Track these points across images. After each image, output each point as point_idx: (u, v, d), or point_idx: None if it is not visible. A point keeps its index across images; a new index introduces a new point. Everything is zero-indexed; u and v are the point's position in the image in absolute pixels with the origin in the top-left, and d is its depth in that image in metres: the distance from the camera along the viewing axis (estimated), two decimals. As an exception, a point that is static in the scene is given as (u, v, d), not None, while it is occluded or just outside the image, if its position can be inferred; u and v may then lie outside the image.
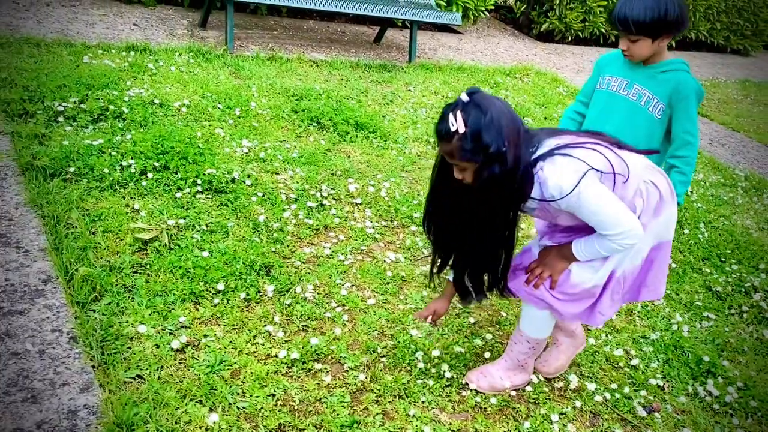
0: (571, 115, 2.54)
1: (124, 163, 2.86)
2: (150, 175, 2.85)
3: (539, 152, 1.75)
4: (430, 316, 2.14)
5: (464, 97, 1.66)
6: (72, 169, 2.74)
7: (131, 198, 2.71)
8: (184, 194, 2.80)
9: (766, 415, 2.35)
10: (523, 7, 8.09)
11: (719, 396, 2.38)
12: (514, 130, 1.67)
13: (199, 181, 2.89)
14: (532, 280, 1.95)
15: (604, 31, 8.34)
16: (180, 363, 2.00)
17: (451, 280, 2.05)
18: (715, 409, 2.33)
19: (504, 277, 1.90)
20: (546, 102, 5.45)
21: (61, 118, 3.12)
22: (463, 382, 2.16)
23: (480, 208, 1.76)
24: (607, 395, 2.25)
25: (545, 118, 5.06)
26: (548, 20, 7.87)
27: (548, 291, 1.93)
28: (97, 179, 2.75)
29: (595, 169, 1.72)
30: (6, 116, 3.08)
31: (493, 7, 7.27)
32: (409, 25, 6.58)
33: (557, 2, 7.67)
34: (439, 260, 2.00)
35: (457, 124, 1.64)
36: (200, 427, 1.79)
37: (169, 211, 2.67)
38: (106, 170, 2.79)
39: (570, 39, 8.24)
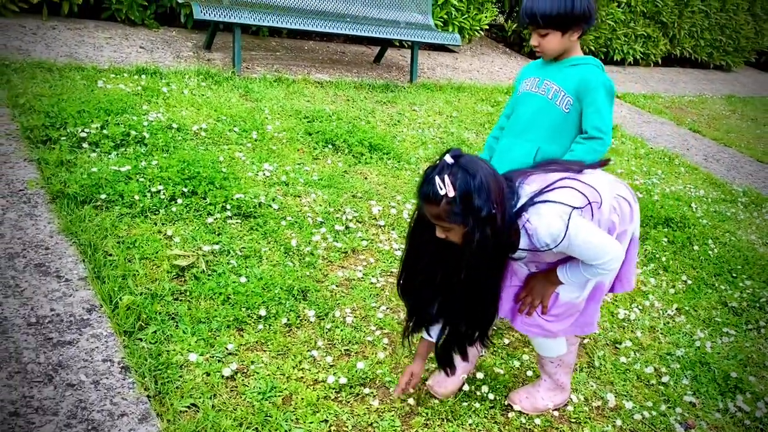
0: (496, 134, 2.46)
1: (153, 189, 2.88)
2: (179, 200, 2.87)
3: (519, 203, 1.77)
4: (410, 382, 2.07)
5: (449, 159, 1.67)
6: (102, 196, 2.75)
7: (163, 224, 2.72)
8: (215, 219, 2.82)
9: (795, 429, 2.42)
10: (513, 26, 8.22)
11: (749, 412, 2.45)
12: (500, 191, 1.70)
13: (228, 206, 2.91)
14: (524, 309, 1.98)
15: (593, 48, 8.51)
16: (232, 390, 2.02)
17: (427, 338, 2.05)
18: (747, 425, 2.40)
19: (488, 327, 1.93)
20: (546, 120, 5.53)
21: (85, 144, 3.13)
22: (506, 403, 2.20)
23: (469, 265, 1.75)
24: (645, 413, 2.31)
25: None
26: (540, 39, 7.98)
27: (540, 316, 1.97)
28: (127, 206, 2.76)
29: (576, 208, 1.75)
30: (30, 143, 3.08)
31: (487, 27, 7.39)
32: (407, 45, 6.69)
33: (549, 21, 7.79)
34: (413, 322, 1.99)
35: (446, 188, 1.64)
36: (261, 455, 1.81)
37: (202, 236, 2.69)
38: (136, 197, 2.80)
39: (561, 57, 8.37)
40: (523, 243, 1.78)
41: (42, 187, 2.79)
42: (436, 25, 6.19)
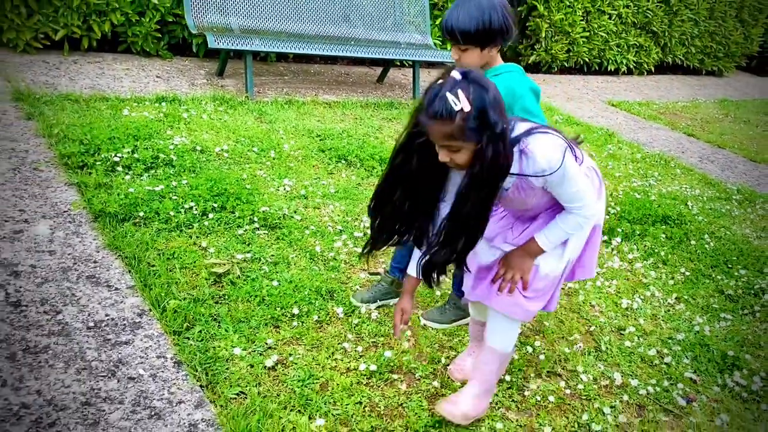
0: None
1: (185, 206, 3.11)
2: (210, 215, 3.10)
3: (515, 133, 1.77)
4: (402, 318, 2.07)
5: (457, 75, 1.62)
6: (140, 214, 2.99)
7: (197, 237, 2.96)
8: (245, 231, 3.05)
9: (789, 400, 2.63)
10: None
11: (746, 385, 2.66)
12: (505, 109, 1.69)
13: (255, 219, 3.14)
14: (505, 287, 1.98)
15: (587, 59, 8.79)
16: (274, 379, 2.24)
17: (412, 274, 2.03)
18: (744, 398, 2.60)
19: (466, 251, 1.87)
20: (545, 130, 5.78)
21: (118, 168, 3.37)
22: (438, 412, 2.15)
23: (473, 184, 1.72)
24: (650, 389, 2.52)
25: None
26: (535, 52, 8.29)
27: (521, 293, 1.97)
28: (163, 222, 2.99)
29: (569, 146, 1.78)
30: (68, 168, 3.32)
31: (484, 43, 7.66)
32: (408, 65, 6.97)
33: (543, 35, 8.10)
34: (379, 241, 1.98)
35: (461, 102, 1.58)
36: (305, 433, 2.02)
37: (234, 246, 2.92)
38: (171, 213, 3.03)
39: (556, 69, 8.67)
40: (515, 169, 1.75)
41: (84, 208, 3.02)
42: (434, 44, 6.47)
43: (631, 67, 9.49)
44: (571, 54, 8.56)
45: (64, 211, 2.98)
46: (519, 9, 8.15)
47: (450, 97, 1.59)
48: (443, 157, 1.70)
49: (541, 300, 2.02)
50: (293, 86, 5.72)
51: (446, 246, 1.86)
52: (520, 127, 1.79)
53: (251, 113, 4.70)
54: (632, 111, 7.44)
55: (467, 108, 1.59)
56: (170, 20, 5.55)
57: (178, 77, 5.27)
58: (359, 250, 3.13)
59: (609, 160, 5.31)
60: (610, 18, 8.69)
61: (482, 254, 2.08)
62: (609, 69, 9.28)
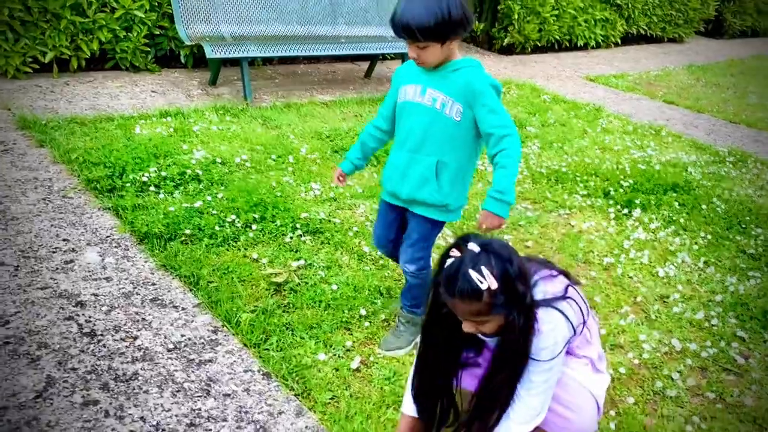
0: (371, 131, 2.41)
1: (227, 220, 3.12)
2: (254, 226, 3.12)
3: (536, 297, 1.65)
4: None
5: (475, 248, 1.53)
6: (187, 232, 2.99)
7: (246, 249, 2.97)
8: (291, 239, 3.08)
9: (833, 347, 2.79)
10: (481, 26, 8.60)
11: (791, 337, 2.81)
12: (528, 272, 1.61)
13: (298, 226, 3.17)
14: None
15: (558, 37, 8.96)
16: (361, 380, 2.29)
17: (410, 414, 1.88)
18: (792, 349, 2.75)
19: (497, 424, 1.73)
20: (536, 111, 5.91)
21: (150, 188, 3.36)
22: None
23: (507, 356, 1.64)
24: (709, 351, 2.64)
25: (542, 124, 5.50)
26: (509, 34, 8.41)
27: None
28: (209, 237, 3.00)
29: (573, 331, 1.69)
30: (98, 193, 3.29)
31: (461, 30, 7.74)
32: (390, 57, 7.02)
33: (515, 17, 8.22)
34: (423, 407, 1.84)
35: (487, 281, 1.49)
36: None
37: (284, 255, 2.94)
38: (216, 228, 3.04)
39: (529, 49, 8.81)
40: None
41: (127, 231, 3.01)
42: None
43: (599, 41, 9.69)
44: (542, 33, 8.71)
45: (108, 236, 2.96)
46: (490, -7, 8.26)
47: (474, 275, 1.49)
48: (468, 328, 1.62)
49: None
50: (286, 89, 5.71)
51: (478, 419, 1.73)
52: (539, 292, 1.67)
53: (256, 120, 4.69)
54: (610, 84, 7.62)
55: (494, 286, 1.49)
56: (157, 33, 5.48)
57: (174, 90, 5.22)
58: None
59: (604, 135, 5.45)
60: (577, -5, 8.85)
61: None
62: (578, 45, 9.46)
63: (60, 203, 3.19)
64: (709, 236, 3.72)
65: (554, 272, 1.79)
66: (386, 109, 2.32)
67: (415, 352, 2.22)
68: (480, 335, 1.69)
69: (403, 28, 1.97)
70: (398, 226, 2.41)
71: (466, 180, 2.27)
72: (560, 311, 1.66)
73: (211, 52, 4.75)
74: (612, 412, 2.26)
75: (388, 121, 2.34)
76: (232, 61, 5.65)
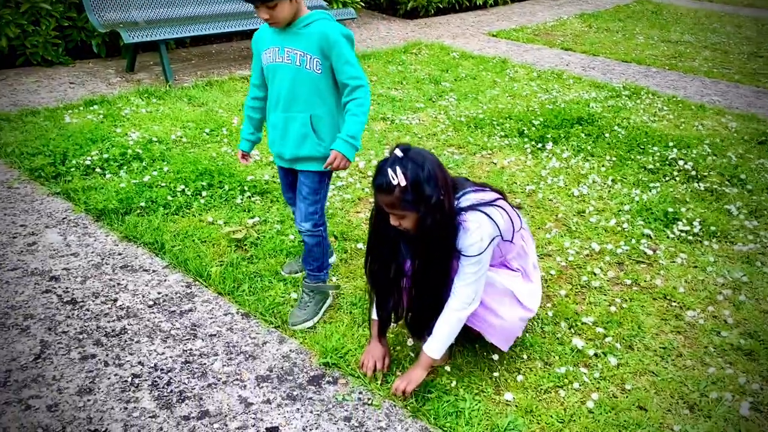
0: (252, 104, 2.43)
1: (178, 190, 3.28)
2: (204, 193, 3.30)
3: (463, 203, 1.97)
4: (374, 366, 2.16)
5: (399, 153, 1.83)
6: (142, 204, 3.14)
7: (200, 214, 3.15)
8: (242, 200, 3.28)
9: (723, 235, 3.27)
10: (385, -8, 8.85)
11: (689, 230, 3.27)
12: (445, 179, 1.88)
13: (245, 188, 3.37)
14: (400, 395, 2.07)
15: (461, -2, 9.32)
16: (331, 309, 2.55)
17: (376, 317, 2.18)
18: (690, 240, 3.21)
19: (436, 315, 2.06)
20: (448, 68, 6.25)
21: (96, 170, 3.46)
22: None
23: (425, 250, 1.95)
24: (622, 248, 3.05)
25: (456, 79, 5.85)
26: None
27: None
28: (163, 207, 3.16)
29: (499, 236, 1.98)
30: (44, 180, 3.37)
31: (366, -2, 7.98)
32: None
33: (416, -19, 8.50)
34: (379, 304, 2.14)
35: (398, 177, 1.79)
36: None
37: (239, 215, 3.14)
38: (168, 198, 3.20)
39: (432, 12, 9.15)
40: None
41: (82, 211, 3.12)
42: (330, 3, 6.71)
43: (497, -2, 10.13)
44: (444, -6, 9.04)
45: (64, 218, 3.07)
46: (389, -40, 8.50)
47: (390, 172, 1.80)
48: (393, 221, 1.92)
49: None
50: (204, 68, 5.80)
51: (417, 305, 2.08)
52: (467, 199, 1.99)
53: (181, 100, 4.79)
54: (512, 38, 8.06)
55: (403, 183, 1.80)
56: (66, 24, 5.44)
57: (92, 80, 5.22)
58: (348, 196, 3.44)
59: (513, 83, 5.86)
60: (471, -45, 9.22)
61: None
62: (478, 3, 9.87)
63: (7, 194, 3.26)
64: (614, 159, 4.17)
65: (487, 189, 2.11)
66: (256, 77, 2.35)
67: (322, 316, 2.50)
68: (403, 230, 1.95)
69: None
70: (296, 183, 2.45)
71: (341, 126, 2.29)
72: (485, 213, 1.97)
73: (128, 38, 4.79)
74: (548, 304, 2.62)
75: (261, 88, 2.36)
76: (146, 46, 5.68)
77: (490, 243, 1.96)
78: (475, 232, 1.94)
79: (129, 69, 5.50)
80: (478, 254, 1.95)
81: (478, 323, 2.13)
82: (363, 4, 7.89)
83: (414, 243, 1.99)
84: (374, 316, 2.19)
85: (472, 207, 1.98)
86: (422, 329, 2.12)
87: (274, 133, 2.32)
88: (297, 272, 2.73)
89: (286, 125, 2.26)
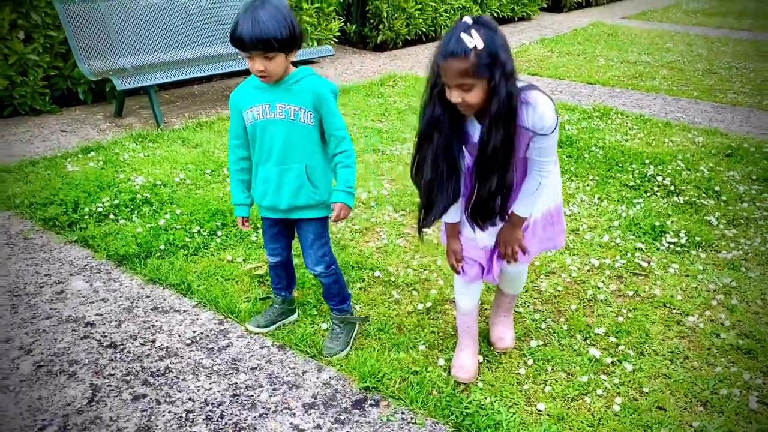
0: (238, 166, 2.46)
1: (193, 231, 3.40)
2: (219, 233, 3.42)
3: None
4: (456, 257, 2.29)
5: (468, 20, 1.77)
6: (161, 247, 3.24)
7: (219, 253, 3.27)
8: (257, 237, 3.41)
9: (708, 245, 3.52)
10: (353, 27, 9.12)
11: (676, 242, 3.52)
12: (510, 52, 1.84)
13: (258, 226, 3.49)
14: (512, 260, 2.21)
15: (424, 29, 9.65)
16: (361, 336, 2.69)
17: (449, 221, 2.23)
18: (678, 251, 3.46)
19: (509, 194, 2.06)
20: (425, 97, 6.49)
21: (109, 217, 3.56)
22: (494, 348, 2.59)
23: (490, 125, 1.87)
24: (620, 262, 3.28)
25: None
26: (381, 32, 8.99)
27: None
28: (183, 248, 3.27)
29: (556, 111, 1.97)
30: (59, 229, 3.45)
31: (339, 34, 8.22)
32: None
33: (385, 15, 8.81)
34: (428, 210, 2.12)
35: (474, 40, 1.74)
36: (412, 362, 2.51)
37: (256, 252, 3.28)
38: (187, 239, 3.32)
39: (401, 44, 9.45)
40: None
41: (103, 258, 3.21)
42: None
43: (460, 27, 10.49)
44: (410, 27, 9.37)
45: (86, 265, 3.16)
46: (356, -5, 8.79)
47: (465, 36, 1.75)
48: (455, 98, 1.84)
49: (530, 243, 2.28)
50: (190, 109, 5.92)
51: (482, 188, 2.01)
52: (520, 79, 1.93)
53: (175, 142, 4.91)
54: (480, 65, 8.38)
55: (480, 45, 1.74)
56: (53, 74, 5.51)
57: (83, 127, 5.30)
58: (356, 227, 3.61)
59: (489, 109, 6.12)
60: (435, -12, 9.59)
61: (481, 240, 2.26)
62: (443, 34, 10.21)
63: (24, 245, 3.33)
64: (597, 178, 4.43)
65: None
66: (237, 137, 2.40)
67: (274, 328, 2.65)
68: (465, 111, 1.91)
69: (258, 40, 2.07)
70: (284, 233, 2.56)
71: (330, 172, 2.42)
72: (542, 91, 1.96)
73: (120, 85, 4.91)
74: (561, 319, 2.82)
75: (244, 147, 2.41)
76: (132, 91, 5.78)
77: (557, 115, 1.96)
78: (544, 105, 1.92)
79: (117, 114, 5.59)
80: (552, 131, 1.94)
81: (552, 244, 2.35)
82: (335, 40, 8.13)
83: (480, 118, 1.95)
84: (446, 219, 2.21)
85: (527, 87, 1.94)
86: (487, 216, 2.09)
87: (266, 187, 2.37)
88: (266, 326, 2.70)
89: (281, 177, 2.33)
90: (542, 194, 2.15)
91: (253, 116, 2.29)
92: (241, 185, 2.49)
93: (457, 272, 2.33)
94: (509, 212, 2.14)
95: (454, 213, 2.20)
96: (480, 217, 2.10)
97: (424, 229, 2.20)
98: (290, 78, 2.24)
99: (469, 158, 2.10)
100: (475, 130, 2.02)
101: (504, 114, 1.85)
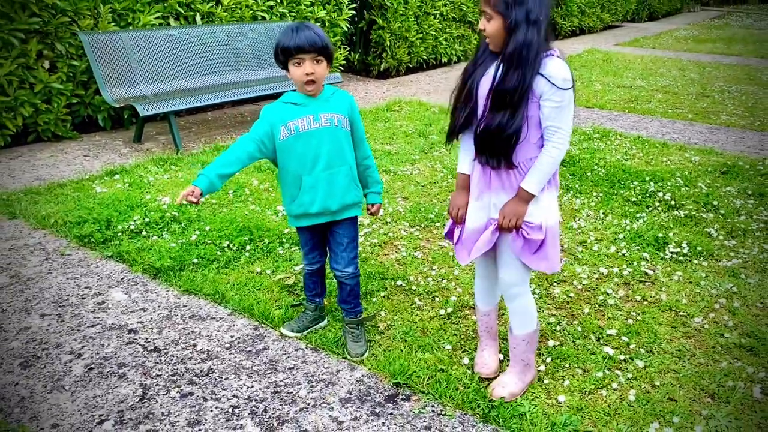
0: (234, 156, 2.49)
1: (224, 245, 3.59)
2: (248, 247, 3.61)
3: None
4: (458, 212, 2.36)
5: None
6: (194, 261, 3.43)
7: (248, 266, 3.46)
8: (284, 250, 3.60)
9: (708, 254, 3.73)
10: (357, 56, 9.42)
11: (678, 252, 3.72)
12: (547, 11, 1.96)
13: (284, 240, 3.70)
14: (509, 230, 2.21)
15: (425, 57, 9.97)
16: (388, 339, 2.87)
17: (463, 172, 2.33)
18: (681, 260, 3.66)
19: (515, 143, 2.10)
20: (430, 122, 6.74)
21: (141, 234, 3.75)
22: (489, 396, 2.46)
23: (504, 63, 1.99)
24: (627, 271, 3.48)
25: (441, 132, 6.33)
26: (384, 60, 9.29)
27: (522, 229, 2.20)
28: (213, 262, 3.46)
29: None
30: (94, 245, 3.64)
31: (344, 62, 8.51)
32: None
33: (387, 44, 9.12)
34: (456, 128, 2.28)
35: None
36: (439, 361, 2.69)
37: (284, 264, 3.46)
38: (218, 254, 3.50)
39: (403, 71, 9.75)
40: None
41: (139, 271, 3.40)
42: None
43: (459, 56, 10.84)
44: (412, 55, 9.68)
45: (123, 278, 3.34)
46: (359, 25, 9.10)
47: None
48: (481, 24, 2.03)
49: (539, 231, 2.21)
50: (206, 135, 6.15)
51: (491, 119, 2.09)
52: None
53: (195, 166, 5.12)
54: (481, 91, 8.65)
55: None
56: (75, 101, 5.74)
57: (104, 152, 5.52)
58: (375, 240, 3.80)
59: (493, 132, 6.36)
60: (435, 18, 9.92)
61: (475, 215, 2.31)
62: (443, 61, 10.54)
63: (62, 260, 3.51)
64: (600, 194, 4.65)
65: None
66: (255, 140, 2.48)
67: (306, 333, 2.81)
68: (490, 43, 2.06)
69: (316, 43, 2.34)
70: (321, 241, 2.76)
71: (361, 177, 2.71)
72: (561, 58, 2.04)
73: (142, 111, 5.14)
74: (575, 322, 3.00)
75: (256, 146, 2.49)
76: (149, 117, 6.01)
77: (573, 86, 2.03)
78: (563, 64, 2.01)
79: (137, 140, 5.81)
80: (568, 84, 2.00)
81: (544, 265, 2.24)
82: (340, 68, 8.41)
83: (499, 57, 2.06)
84: (460, 170, 2.35)
85: (548, 52, 2.03)
86: (492, 152, 2.14)
87: (313, 193, 2.51)
88: (300, 331, 2.88)
89: (331, 180, 2.52)
90: (553, 172, 2.17)
91: (297, 128, 2.45)
92: (222, 169, 2.45)
93: (455, 222, 2.38)
94: (519, 187, 2.17)
95: (467, 162, 2.31)
96: (486, 149, 2.16)
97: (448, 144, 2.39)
98: (325, 92, 2.53)
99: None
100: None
101: (516, 58, 1.96)
